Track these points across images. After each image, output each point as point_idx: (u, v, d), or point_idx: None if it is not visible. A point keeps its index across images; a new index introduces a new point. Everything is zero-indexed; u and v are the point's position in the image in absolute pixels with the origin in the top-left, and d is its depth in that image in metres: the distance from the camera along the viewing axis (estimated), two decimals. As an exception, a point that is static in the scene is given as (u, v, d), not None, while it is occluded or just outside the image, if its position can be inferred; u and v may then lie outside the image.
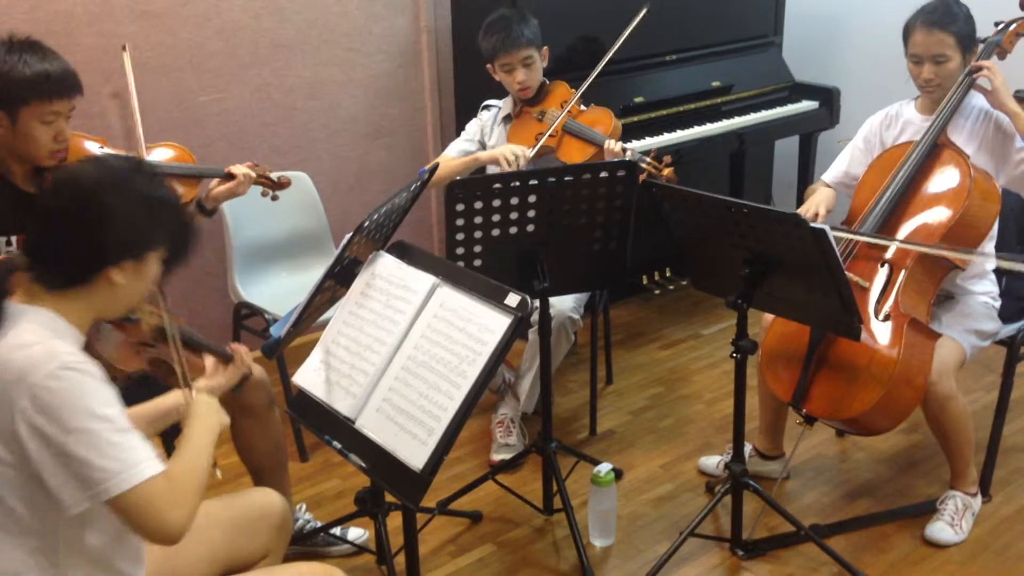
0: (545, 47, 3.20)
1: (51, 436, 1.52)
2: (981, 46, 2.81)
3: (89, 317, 1.70)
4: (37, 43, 2.31)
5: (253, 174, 2.74)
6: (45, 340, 1.56)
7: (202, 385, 1.98)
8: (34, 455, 1.53)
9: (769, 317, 2.83)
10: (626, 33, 3.18)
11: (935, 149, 2.75)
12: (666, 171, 2.81)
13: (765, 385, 2.87)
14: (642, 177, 2.75)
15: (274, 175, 2.85)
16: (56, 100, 2.29)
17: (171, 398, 1.97)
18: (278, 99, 3.75)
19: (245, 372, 2.10)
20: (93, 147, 2.53)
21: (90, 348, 1.75)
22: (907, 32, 2.80)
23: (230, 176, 2.69)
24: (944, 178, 2.71)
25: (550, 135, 3.10)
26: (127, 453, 1.54)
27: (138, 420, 1.91)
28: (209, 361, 2.05)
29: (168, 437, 2.55)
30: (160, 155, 2.70)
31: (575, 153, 3.08)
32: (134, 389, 2.02)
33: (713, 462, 3.11)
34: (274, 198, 2.88)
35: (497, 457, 3.15)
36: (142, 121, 2.71)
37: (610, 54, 3.19)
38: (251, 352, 2.14)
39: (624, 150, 2.99)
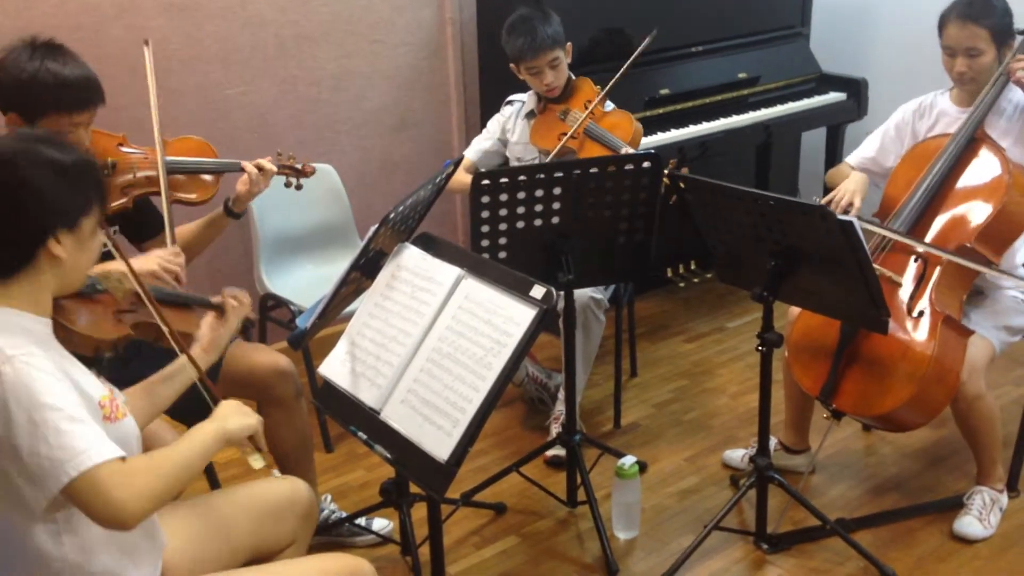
0: (568, 43, 3.16)
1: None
2: (1020, 39, 2.77)
3: (45, 299, 1.68)
4: (59, 47, 2.25)
5: (272, 167, 2.65)
6: None
7: (204, 342, 1.98)
8: None
9: (795, 310, 2.81)
10: (641, 47, 3.13)
11: (972, 143, 2.71)
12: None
13: (792, 379, 2.85)
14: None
15: (298, 164, 2.75)
16: (76, 113, 2.24)
17: (176, 363, 1.95)
18: (303, 91, 3.76)
19: (245, 315, 2.07)
20: (111, 146, 2.49)
21: (60, 327, 1.73)
22: (942, 23, 2.76)
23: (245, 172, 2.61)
24: (981, 172, 2.67)
25: (572, 137, 3.08)
26: (76, 441, 1.52)
27: (145, 390, 1.92)
28: (207, 317, 2.04)
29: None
30: (178, 149, 2.61)
31: None
32: (138, 357, 2.00)
33: (738, 455, 3.10)
34: (298, 187, 2.80)
35: (551, 453, 3.13)
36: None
37: (631, 60, 3.11)
38: (278, 344, 2.15)
39: None
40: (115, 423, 1.67)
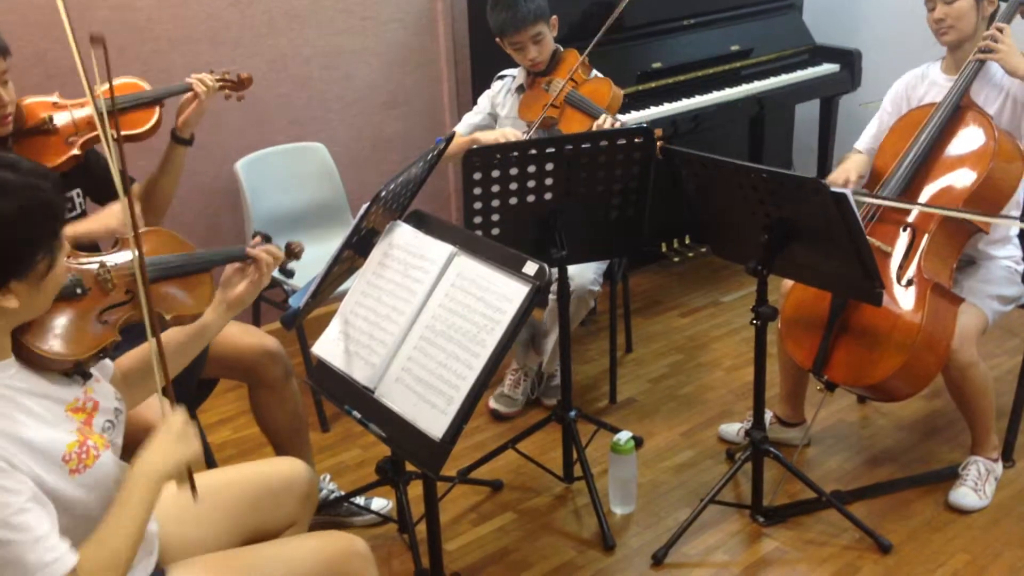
0: (554, 16, 3.12)
1: None
2: (1003, 5, 2.76)
3: (5, 343, 1.51)
4: None
5: (211, 82, 2.59)
6: None
7: (225, 297, 1.87)
8: None
9: (788, 283, 2.81)
10: (620, 7, 3.11)
11: (958, 110, 2.71)
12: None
13: (785, 352, 2.85)
14: None
15: (233, 75, 2.71)
16: None
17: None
18: (293, 70, 3.74)
19: (277, 264, 1.93)
20: (46, 106, 2.42)
21: (29, 354, 1.55)
22: None
23: (191, 91, 2.55)
24: (968, 139, 2.67)
25: (553, 106, 3.06)
26: (28, 555, 1.39)
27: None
28: (228, 269, 1.91)
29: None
30: (104, 92, 2.57)
31: (575, 125, 3.04)
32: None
33: (733, 429, 3.11)
34: (239, 98, 2.76)
35: (494, 405, 3.13)
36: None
37: (608, 23, 3.09)
38: (271, 324, 2.12)
39: (614, 124, 2.95)
40: (84, 473, 1.53)
